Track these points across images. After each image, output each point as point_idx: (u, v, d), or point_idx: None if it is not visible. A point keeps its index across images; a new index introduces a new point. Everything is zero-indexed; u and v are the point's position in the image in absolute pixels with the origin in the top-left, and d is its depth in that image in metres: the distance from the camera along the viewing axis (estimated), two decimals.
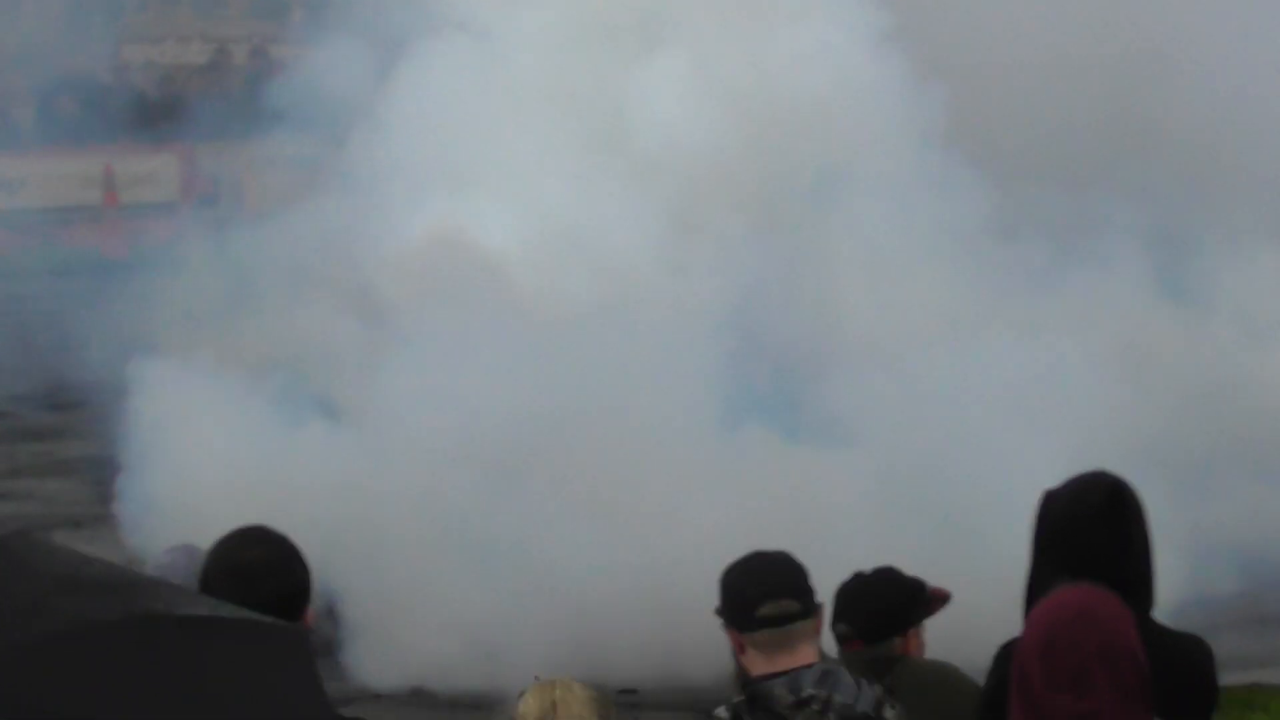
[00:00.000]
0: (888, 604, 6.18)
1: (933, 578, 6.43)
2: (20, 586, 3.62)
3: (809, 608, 5.08)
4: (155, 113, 18.83)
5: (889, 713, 4.98)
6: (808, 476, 11.71)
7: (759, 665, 5.02)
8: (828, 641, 5.97)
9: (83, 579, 3.68)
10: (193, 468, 11.87)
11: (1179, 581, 8.31)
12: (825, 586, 5.72)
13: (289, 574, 4.80)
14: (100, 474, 13.24)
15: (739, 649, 5.10)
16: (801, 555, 5.24)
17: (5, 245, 16.60)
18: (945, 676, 6.09)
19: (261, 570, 4.75)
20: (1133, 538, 5.04)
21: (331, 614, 10.75)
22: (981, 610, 6.97)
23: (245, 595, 4.47)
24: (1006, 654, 5.10)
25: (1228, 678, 5.18)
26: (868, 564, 6.39)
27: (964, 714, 5.63)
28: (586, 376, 11.95)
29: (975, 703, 5.42)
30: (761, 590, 5.05)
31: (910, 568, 6.40)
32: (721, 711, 5.01)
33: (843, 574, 6.29)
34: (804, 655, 4.98)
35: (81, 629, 3.53)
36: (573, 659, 9.84)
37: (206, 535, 5.17)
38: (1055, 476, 5.28)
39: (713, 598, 5.18)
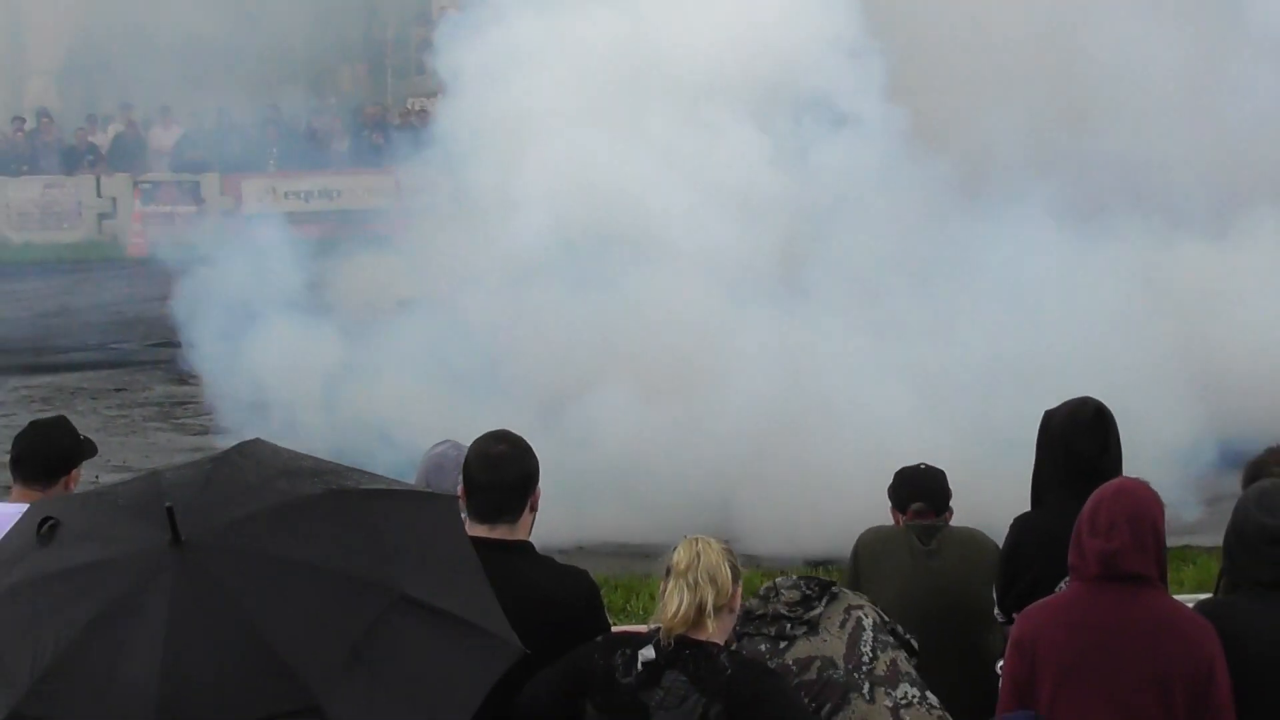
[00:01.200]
0: (944, 486, 7.81)
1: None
2: (252, 474, 4.40)
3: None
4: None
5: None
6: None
7: None
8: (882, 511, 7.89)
9: (296, 468, 4.48)
10: None
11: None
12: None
13: (524, 463, 5.78)
14: None
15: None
16: None
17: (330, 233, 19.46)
18: (974, 535, 7.62)
19: (505, 459, 5.76)
20: (1110, 445, 6.61)
21: None
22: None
23: (493, 475, 5.70)
24: (1018, 522, 6.71)
25: (1169, 541, 6.14)
26: None
27: (989, 561, 7.16)
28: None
29: (995, 555, 7.01)
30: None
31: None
32: None
33: None
34: None
35: (292, 500, 4.32)
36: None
37: None
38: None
39: None
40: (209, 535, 4.19)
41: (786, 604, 6.30)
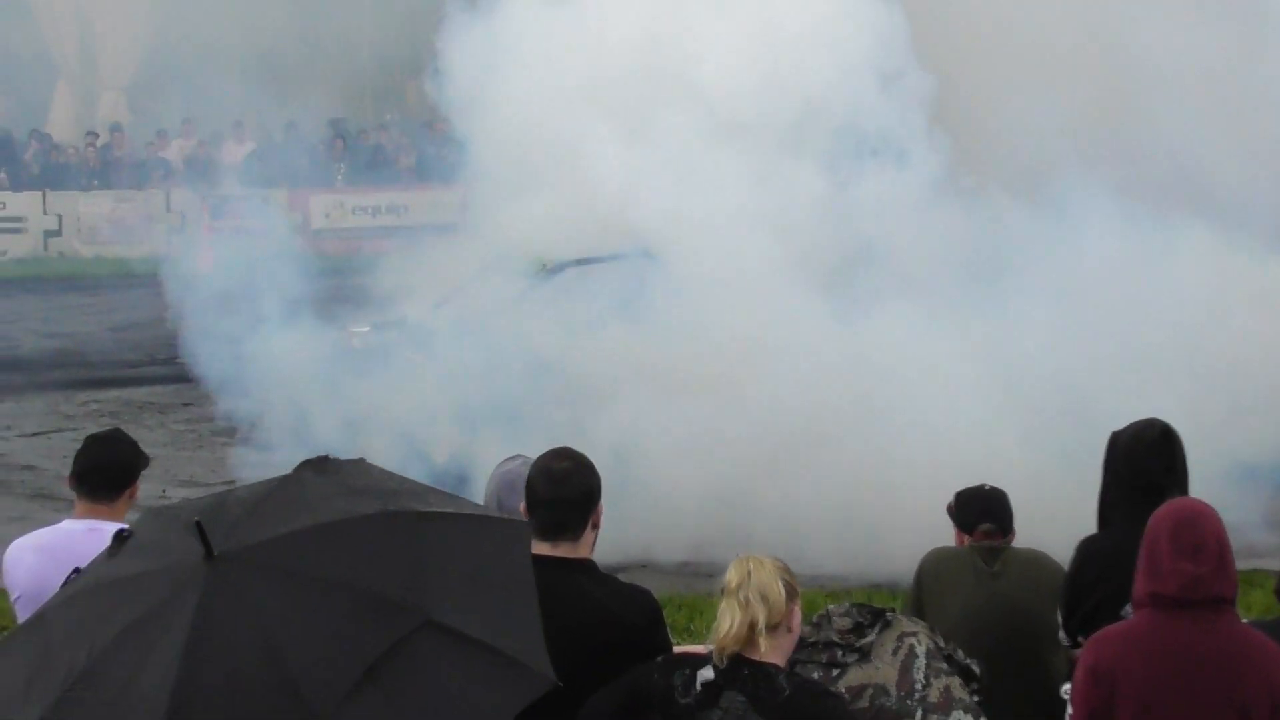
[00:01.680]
0: (1009, 507, 7.70)
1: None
2: (315, 492, 4.44)
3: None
4: None
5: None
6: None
7: None
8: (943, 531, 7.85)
9: (367, 488, 4.52)
10: None
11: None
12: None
13: (586, 479, 5.82)
14: None
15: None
16: None
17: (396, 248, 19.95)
18: (1039, 557, 7.55)
19: (568, 475, 5.79)
20: (1176, 466, 6.60)
21: None
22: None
23: (555, 492, 5.71)
24: (1084, 544, 6.69)
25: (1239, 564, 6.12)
26: None
27: (1054, 582, 7.05)
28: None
29: (1060, 576, 6.92)
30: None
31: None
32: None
33: None
34: None
35: (340, 519, 4.35)
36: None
37: None
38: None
39: None
40: (243, 550, 4.24)
41: (839, 631, 6.30)
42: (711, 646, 5.52)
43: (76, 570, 4.60)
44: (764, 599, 5.45)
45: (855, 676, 6.18)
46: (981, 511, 7.64)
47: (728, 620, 5.44)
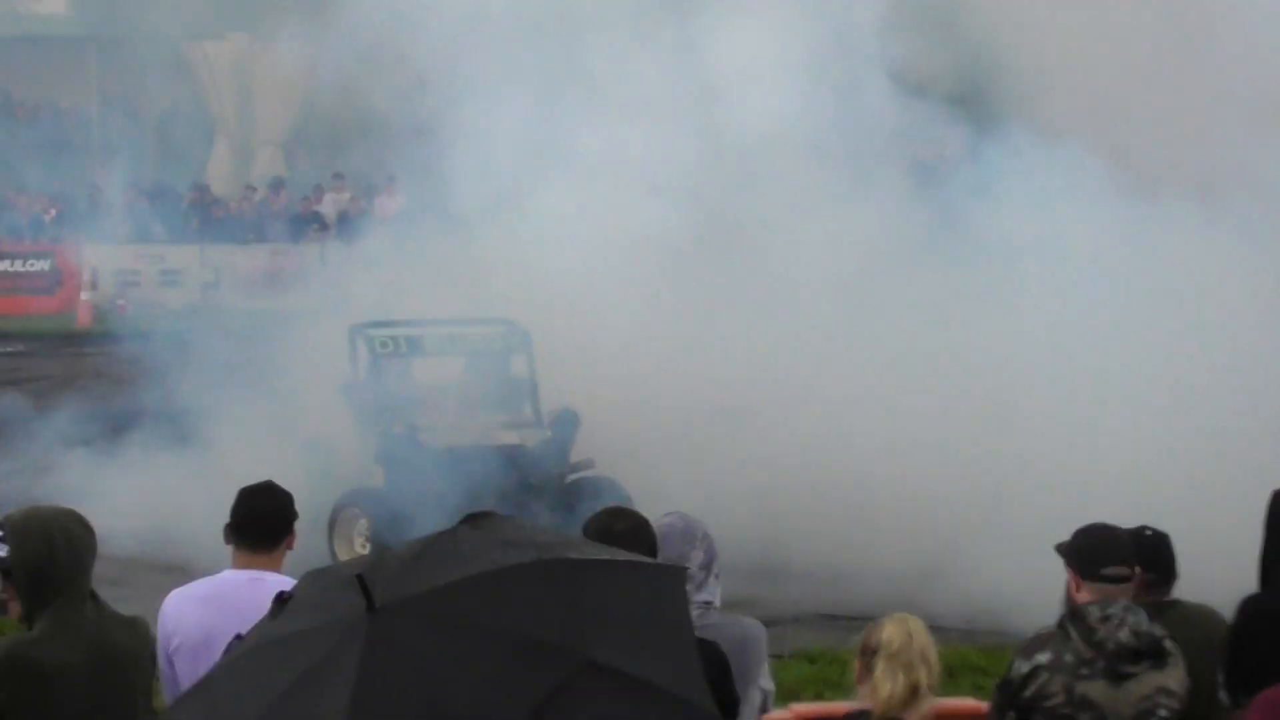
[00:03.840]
0: (1173, 554, 7.29)
1: None
2: (469, 545, 4.47)
3: (1133, 574, 6.50)
4: None
5: (1169, 644, 6.10)
6: None
7: (1085, 598, 6.34)
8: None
9: (520, 539, 4.54)
10: None
11: None
12: None
13: (645, 538, 5.99)
14: None
15: (1076, 586, 6.50)
16: None
17: None
18: (1207, 612, 7.18)
19: (625, 536, 5.89)
20: None
21: None
22: None
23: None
24: (1247, 602, 6.57)
25: None
26: None
27: (1219, 640, 6.80)
28: None
29: (1225, 634, 6.74)
30: (1108, 555, 6.47)
31: None
32: (1053, 622, 6.20)
33: None
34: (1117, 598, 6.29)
35: (497, 569, 4.38)
36: None
37: None
38: None
39: None
40: (402, 602, 4.27)
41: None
42: (857, 708, 5.50)
43: (238, 636, 4.62)
44: (924, 660, 5.45)
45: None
46: (1143, 560, 7.07)
47: (889, 683, 5.41)
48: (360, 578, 4.24)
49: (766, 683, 6.35)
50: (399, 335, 15.73)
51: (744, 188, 16.64)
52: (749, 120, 16.49)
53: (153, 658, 6.45)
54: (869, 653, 5.56)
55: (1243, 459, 12.90)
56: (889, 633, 5.56)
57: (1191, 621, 7.16)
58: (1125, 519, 7.02)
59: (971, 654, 12.63)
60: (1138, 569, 6.58)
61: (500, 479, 14.59)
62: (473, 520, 4.58)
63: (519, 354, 15.85)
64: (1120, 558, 6.51)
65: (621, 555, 4.79)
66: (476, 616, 4.27)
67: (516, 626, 4.26)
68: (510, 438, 15.31)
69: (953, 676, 12.21)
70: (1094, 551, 6.49)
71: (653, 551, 5.96)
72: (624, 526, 5.97)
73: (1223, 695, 6.63)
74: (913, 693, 5.41)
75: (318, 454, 15.07)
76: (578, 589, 4.42)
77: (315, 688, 4.17)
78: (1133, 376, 14.07)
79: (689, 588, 6.02)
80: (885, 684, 5.44)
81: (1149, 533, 7.28)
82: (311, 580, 4.59)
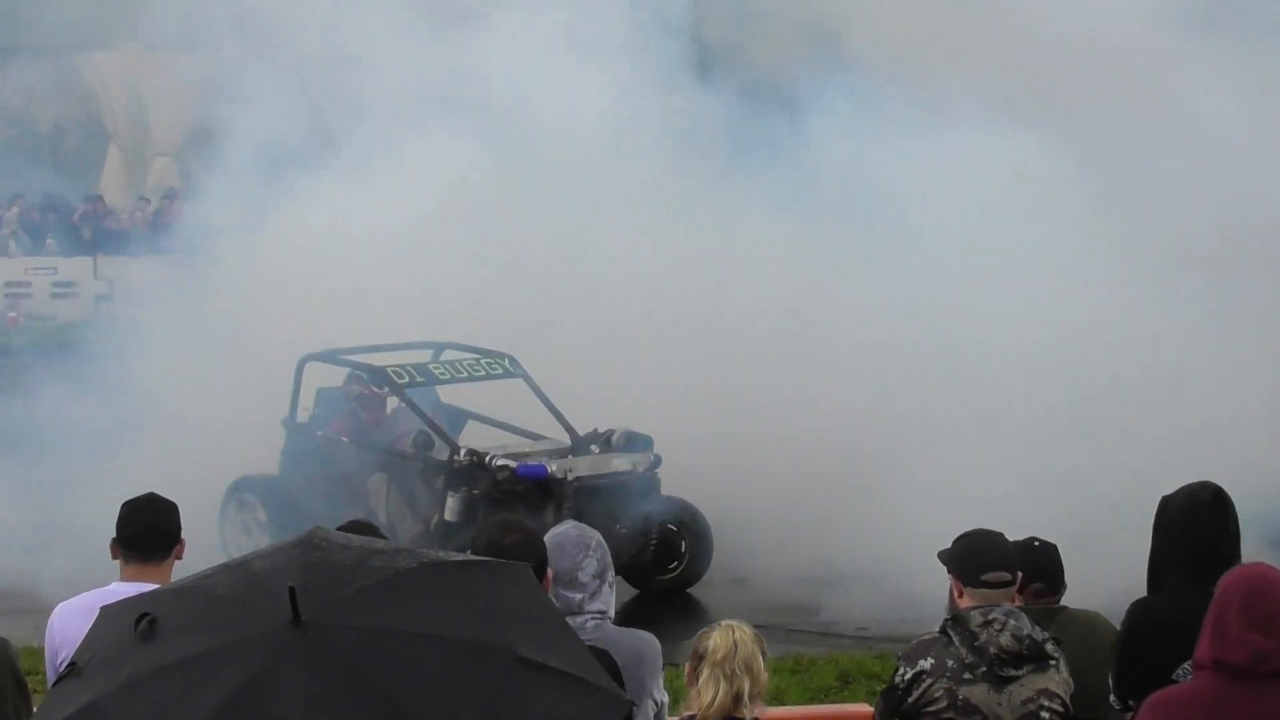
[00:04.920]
0: (1060, 564, 7.57)
1: None
2: (341, 556, 4.47)
3: (1014, 580, 6.48)
4: None
5: (1050, 647, 6.26)
6: None
7: (967, 604, 6.39)
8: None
9: (379, 548, 4.56)
10: None
11: None
12: None
13: (534, 551, 5.98)
14: None
15: (958, 593, 6.46)
16: None
17: None
18: (1094, 619, 7.42)
19: (516, 549, 5.88)
20: (1230, 527, 6.54)
21: None
22: None
23: None
24: (1136, 607, 6.59)
25: None
26: None
27: (1107, 645, 6.95)
28: None
29: (1113, 639, 6.83)
30: (989, 561, 6.45)
31: None
32: (936, 628, 6.32)
33: None
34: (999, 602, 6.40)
35: (393, 575, 4.41)
36: None
37: None
38: None
39: None
40: (326, 614, 4.23)
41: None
42: (685, 716, 5.58)
43: (73, 664, 4.43)
44: (749, 669, 5.53)
45: None
46: (1032, 570, 7.32)
47: (712, 690, 5.49)
48: (292, 591, 4.19)
49: (660, 695, 6.37)
50: (411, 366, 15.52)
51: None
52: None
53: (17, 680, 6.47)
54: (697, 659, 5.62)
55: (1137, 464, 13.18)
56: (715, 640, 5.64)
57: (1078, 626, 7.34)
58: (1015, 528, 7.10)
59: (867, 660, 12.76)
60: (1020, 574, 6.63)
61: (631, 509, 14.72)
62: (310, 536, 4.54)
63: (518, 379, 15.78)
64: (1001, 563, 6.48)
65: (476, 557, 4.86)
66: (403, 622, 4.26)
67: (441, 629, 4.27)
68: (623, 465, 15.23)
69: (848, 684, 12.31)
70: (974, 558, 6.48)
71: (543, 565, 6.00)
72: (513, 539, 6.02)
73: (1113, 699, 6.67)
74: (735, 701, 5.46)
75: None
76: (472, 589, 4.46)
77: (251, 706, 4.10)
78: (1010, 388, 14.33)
79: (583, 596, 6.19)
80: (708, 691, 5.53)
81: (1037, 543, 7.48)
82: (173, 600, 4.47)
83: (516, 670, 4.23)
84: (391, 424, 15.68)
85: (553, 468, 14.82)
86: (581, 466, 15.03)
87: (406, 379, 15.30)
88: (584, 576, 6.29)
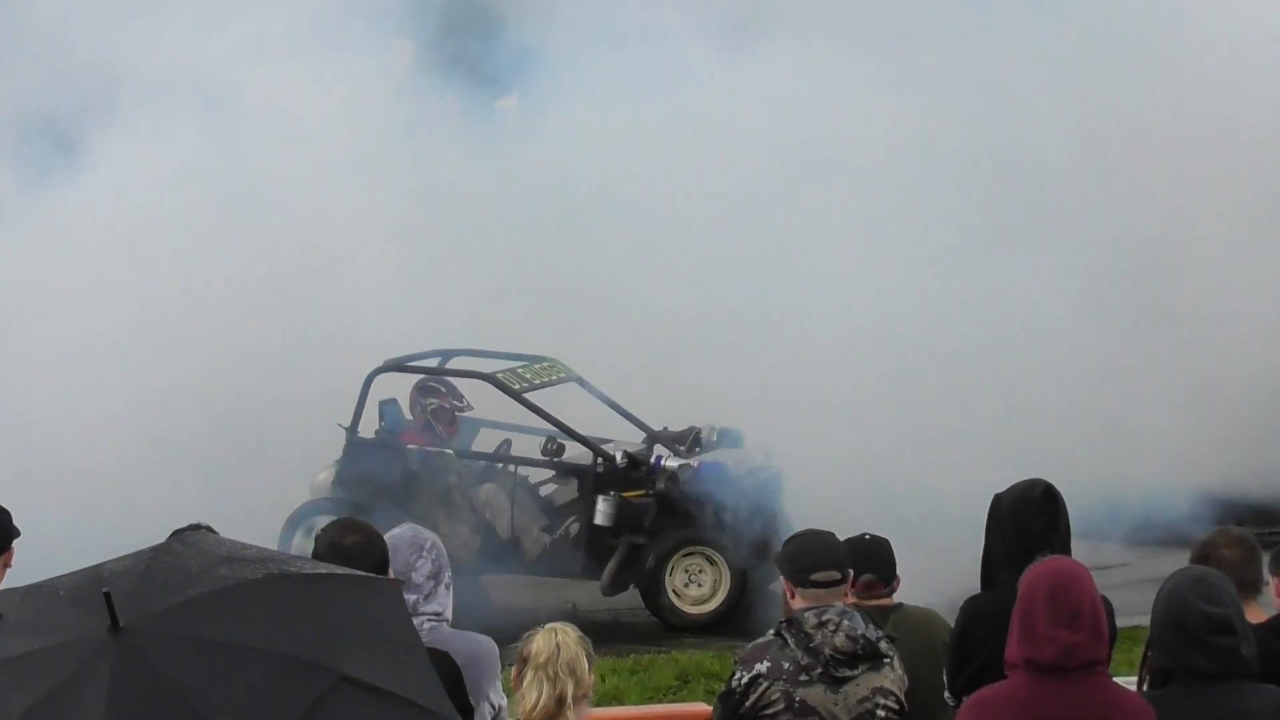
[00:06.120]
0: (891, 556, 7.68)
1: None
2: (193, 561, 4.44)
3: (845, 578, 6.53)
4: None
5: (884, 645, 6.34)
6: None
7: (800, 605, 6.45)
8: None
9: (239, 556, 4.53)
10: None
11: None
12: None
13: (375, 551, 6.04)
14: None
15: (790, 594, 6.51)
16: None
17: None
18: (929, 615, 7.58)
19: (358, 550, 5.99)
20: (1060, 524, 6.67)
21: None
22: None
23: (347, 565, 5.50)
24: (969, 604, 6.73)
25: (1121, 621, 6.72)
26: None
27: (942, 642, 7.13)
28: None
29: (947, 635, 6.98)
30: (817, 560, 6.49)
31: None
32: (770, 631, 6.39)
33: None
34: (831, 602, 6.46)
35: (233, 585, 4.38)
36: None
37: None
38: None
39: None
40: (146, 621, 4.18)
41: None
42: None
43: None
44: (572, 672, 5.53)
45: None
46: (863, 563, 7.36)
47: (535, 694, 5.50)
48: (108, 596, 4.15)
49: (498, 697, 6.37)
50: (514, 371, 15.17)
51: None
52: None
53: None
54: (521, 662, 5.64)
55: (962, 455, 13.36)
56: (538, 643, 5.65)
57: (913, 624, 7.46)
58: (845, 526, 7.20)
59: (705, 659, 12.82)
60: (851, 572, 6.67)
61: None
62: (180, 535, 4.53)
63: (573, 381, 15.49)
64: (830, 562, 6.52)
65: (339, 569, 4.81)
66: (225, 633, 4.23)
67: (267, 643, 4.25)
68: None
69: (687, 683, 12.35)
70: (803, 558, 6.52)
71: (384, 565, 5.99)
72: (355, 540, 6.01)
73: (947, 695, 6.76)
74: (559, 704, 5.47)
75: None
76: (315, 604, 4.43)
77: (61, 712, 4.06)
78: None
79: (417, 598, 6.18)
80: (531, 694, 5.53)
81: (868, 538, 7.61)
82: (20, 599, 4.44)
83: (338, 689, 4.19)
84: (461, 436, 15.40)
85: (729, 463, 14.55)
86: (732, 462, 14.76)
87: (519, 385, 14.90)
88: (418, 578, 6.28)
